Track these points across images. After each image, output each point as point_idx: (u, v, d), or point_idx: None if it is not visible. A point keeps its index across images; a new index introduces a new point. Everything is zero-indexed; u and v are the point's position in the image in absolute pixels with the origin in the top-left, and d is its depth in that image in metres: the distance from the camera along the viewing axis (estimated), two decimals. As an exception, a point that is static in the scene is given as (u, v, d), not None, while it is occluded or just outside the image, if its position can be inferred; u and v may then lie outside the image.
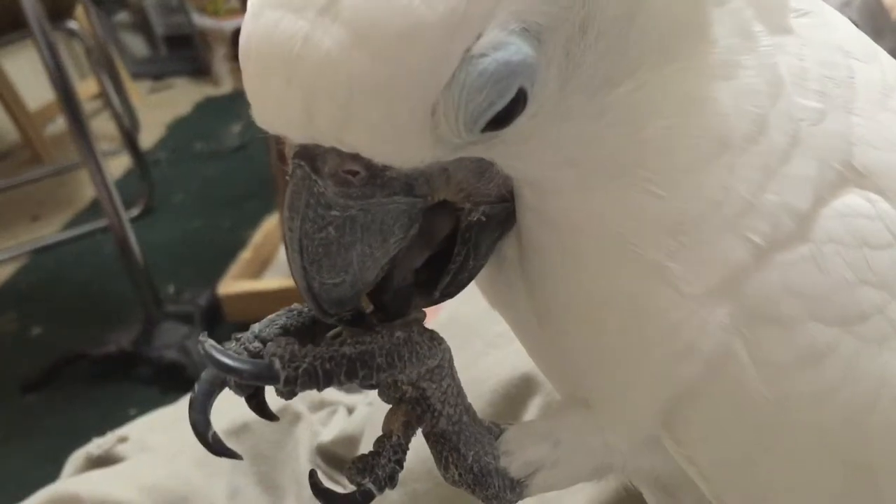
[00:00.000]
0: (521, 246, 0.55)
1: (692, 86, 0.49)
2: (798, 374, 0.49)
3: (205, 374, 0.55)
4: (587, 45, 0.46)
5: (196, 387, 0.55)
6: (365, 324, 0.55)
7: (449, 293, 0.55)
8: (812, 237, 0.50)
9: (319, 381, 0.52)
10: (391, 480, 0.55)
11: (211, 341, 0.52)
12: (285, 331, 0.56)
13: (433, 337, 0.55)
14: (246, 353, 0.55)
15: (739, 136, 0.49)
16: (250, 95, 0.48)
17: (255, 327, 0.56)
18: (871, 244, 0.50)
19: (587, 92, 0.47)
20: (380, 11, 0.42)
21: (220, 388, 0.55)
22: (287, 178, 0.50)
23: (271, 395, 0.57)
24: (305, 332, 0.56)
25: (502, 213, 0.53)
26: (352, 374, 0.52)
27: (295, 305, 0.58)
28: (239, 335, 0.55)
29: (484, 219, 0.52)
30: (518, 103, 0.45)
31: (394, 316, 0.55)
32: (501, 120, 0.45)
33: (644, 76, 0.48)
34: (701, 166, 0.49)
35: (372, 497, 0.55)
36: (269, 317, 0.57)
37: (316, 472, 0.56)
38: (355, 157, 0.46)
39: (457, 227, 0.53)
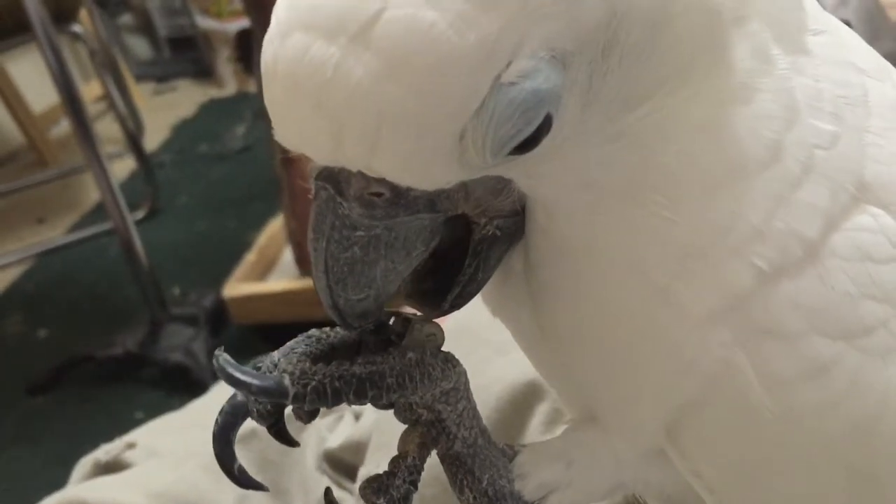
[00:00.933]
0: (527, 260, 0.55)
1: (708, 111, 0.49)
2: (802, 387, 0.50)
3: (227, 406, 0.55)
4: (609, 69, 0.46)
5: (218, 418, 0.55)
6: (384, 333, 0.56)
7: (457, 305, 0.55)
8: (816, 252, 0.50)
9: (328, 398, 0.52)
10: (405, 501, 0.56)
11: (226, 356, 0.52)
12: (307, 357, 0.56)
13: (447, 359, 0.56)
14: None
15: (753, 162, 0.49)
16: (274, 115, 0.47)
17: (275, 355, 0.56)
18: (875, 258, 0.50)
19: (607, 115, 0.47)
20: (412, 41, 0.41)
21: (243, 419, 0.55)
22: (305, 192, 0.50)
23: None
24: (324, 358, 0.56)
25: (513, 226, 0.53)
26: (361, 393, 0.52)
27: (313, 331, 0.58)
28: (259, 363, 0.55)
29: (499, 233, 0.53)
30: (544, 128, 0.45)
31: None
32: (527, 144, 0.46)
33: (661, 100, 0.48)
34: (713, 192, 0.49)
35: None
36: (289, 344, 0.57)
37: (331, 491, 0.57)
38: (380, 180, 0.46)
39: (465, 235, 0.53)
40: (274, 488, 1.08)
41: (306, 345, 0.57)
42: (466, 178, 0.48)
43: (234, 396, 0.55)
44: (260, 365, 0.55)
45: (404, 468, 0.56)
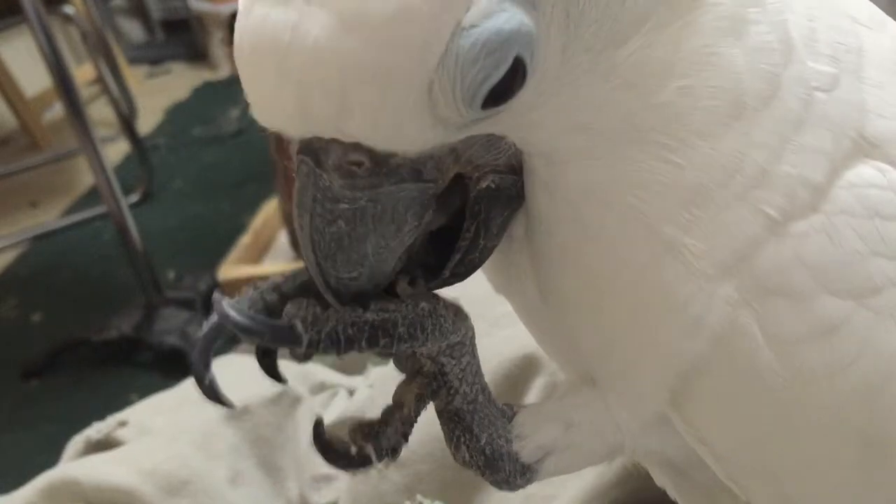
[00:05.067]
0: (529, 223, 0.54)
1: (703, 41, 0.47)
2: (810, 348, 0.48)
3: (212, 320, 0.54)
4: (587, 2, 0.45)
5: (203, 328, 0.54)
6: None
7: (459, 274, 0.54)
8: (823, 208, 0.49)
9: (342, 345, 0.50)
10: (394, 452, 0.55)
11: (227, 300, 0.51)
12: (305, 289, 0.54)
13: (458, 312, 0.54)
14: (263, 303, 0.54)
15: (754, 97, 0.48)
16: (248, 94, 0.47)
17: (276, 279, 0.55)
18: (883, 215, 0.49)
19: (591, 52, 0.46)
20: None
21: (221, 336, 0.54)
22: (293, 173, 0.49)
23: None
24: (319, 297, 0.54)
25: (511, 186, 0.52)
26: (373, 341, 0.51)
27: (298, 270, 0.56)
28: (258, 284, 0.54)
29: (493, 186, 0.51)
30: (516, 75, 0.44)
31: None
32: (501, 94, 0.44)
33: (650, 34, 0.46)
34: (717, 130, 0.47)
35: (369, 463, 0.54)
36: (292, 271, 0.56)
37: (322, 422, 0.55)
38: (357, 147, 0.45)
39: (463, 201, 0.52)
40: (267, 465, 1.08)
41: (309, 276, 0.53)
42: (449, 139, 0.47)
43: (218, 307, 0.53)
44: (259, 286, 0.54)
45: (398, 418, 0.55)
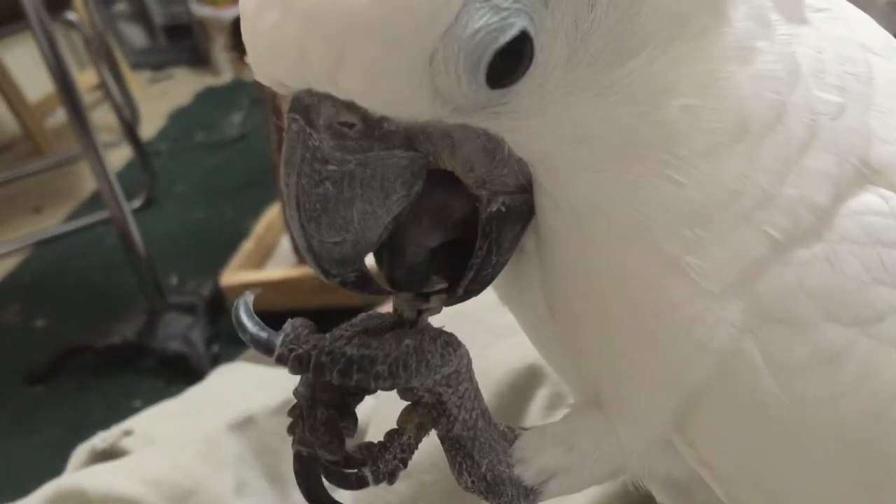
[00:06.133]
0: (538, 236, 0.54)
1: (709, 66, 0.48)
2: (813, 375, 0.49)
3: (296, 466, 0.56)
4: (597, 17, 0.45)
5: (299, 481, 0.56)
6: (372, 288, 0.53)
7: (473, 290, 0.54)
8: (826, 236, 0.49)
9: (309, 371, 0.51)
10: (391, 476, 0.55)
11: (247, 302, 0.54)
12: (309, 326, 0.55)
13: (448, 342, 0.54)
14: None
15: (758, 122, 0.48)
16: (247, 40, 0.47)
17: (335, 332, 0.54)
18: (886, 242, 0.49)
19: (595, 66, 0.46)
20: None
21: (320, 464, 0.55)
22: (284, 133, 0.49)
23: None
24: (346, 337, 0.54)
25: (523, 205, 0.52)
26: (346, 375, 0.51)
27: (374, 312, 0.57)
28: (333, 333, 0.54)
29: (504, 209, 0.51)
30: (523, 55, 0.44)
31: (408, 291, 0.54)
32: (505, 71, 0.45)
33: (654, 53, 0.47)
34: (719, 152, 0.48)
35: (366, 485, 0.55)
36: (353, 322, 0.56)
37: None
38: (350, 108, 0.45)
39: (474, 215, 0.52)
40: (272, 475, 1.08)
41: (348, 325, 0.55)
42: (446, 118, 0.47)
43: (297, 457, 0.55)
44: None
45: (397, 445, 0.55)
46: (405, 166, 0.48)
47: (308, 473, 0.55)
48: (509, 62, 0.44)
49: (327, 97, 0.45)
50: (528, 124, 0.48)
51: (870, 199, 0.50)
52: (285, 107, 0.48)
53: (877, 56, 0.54)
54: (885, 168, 0.51)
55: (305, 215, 0.48)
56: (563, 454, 0.58)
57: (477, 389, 0.57)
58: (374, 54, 0.43)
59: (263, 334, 0.53)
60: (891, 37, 0.57)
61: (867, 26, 0.57)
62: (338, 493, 0.57)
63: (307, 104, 0.46)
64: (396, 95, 0.45)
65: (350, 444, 0.55)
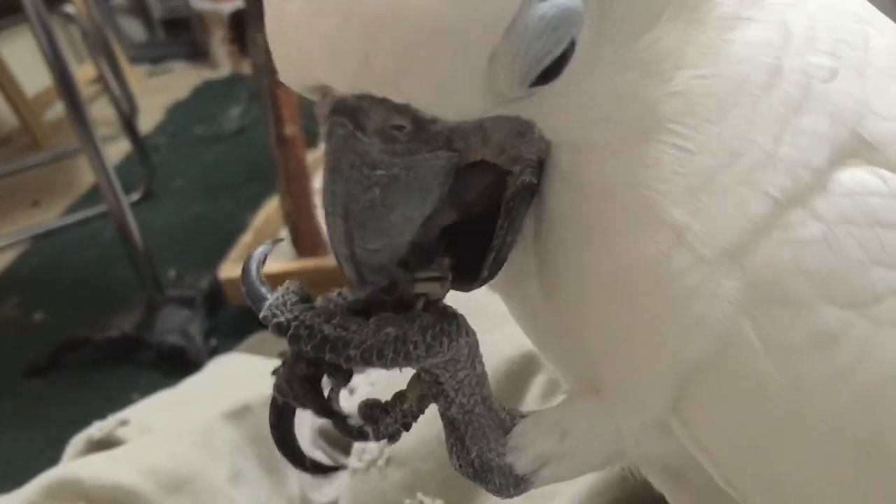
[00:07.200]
0: (538, 219, 0.54)
1: (710, 35, 0.48)
2: (810, 357, 0.48)
3: (271, 409, 0.56)
4: None
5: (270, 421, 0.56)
6: (396, 294, 0.53)
7: (493, 272, 0.53)
8: (824, 216, 0.48)
9: (286, 338, 0.51)
10: (392, 437, 0.55)
11: (261, 252, 0.55)
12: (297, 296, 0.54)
13: (444, 331, 0.53)
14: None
15: (755, 85, 0.48)
16: (283, 44, 0.45)
17: (328, 297, 0.55)
18: (884, 223, 0.49)
19: (614, 44, 0.47)
20: None
21: (292, 414, 0.56)
22: (323, 140, 0.48)
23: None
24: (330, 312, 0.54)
25: (535, 182, 0.52)
26: (318, 350, 0.51)
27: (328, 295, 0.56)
28: (331, 294, 0.55)
29: (529, 181, 0.51)
30: (568, 53, 0.45)
31: (413, 269, 0.54)
32: (551, 72, 0.45)
33: (667, 26, 0.47)
34: (723, 115, 0.48)
35: (366, 438, 0.55)
36: (343, 291, 0.56)
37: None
38: (402, 110, 0.44)
39: (489, 197, 0.52)
40: (268, 464, 1.08)
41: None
42: (488, 113, 0.47)
43: (273, 403, 0.55)
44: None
45: (399, 410, 0.55)
46: (443, 167, 0.48)
47: (281, 422, 0.55)
48: (557, 64, 0.45)
49: (381, 101, 0.44)
50: (556, 104, 0.48)
51: (868, 179, 0.50)
52: (321, 111, 0.47)
53: (872, 27, 0.54)
54: (883, 145, 0.50)
55: (354, 222, 0.47)
56: (557, 441, 0.57)
57: (480, 376, 0.56)
58: (444, 58, 0.42)
59: (262, 290, 0.54)
60: (881, 14, 0.57)
61: (861, 1, 0.57)
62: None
63: (355, 107, 0.45)
64: (456, 97, 0.44)
65: (349, 400, 0.55)
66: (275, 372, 0.55)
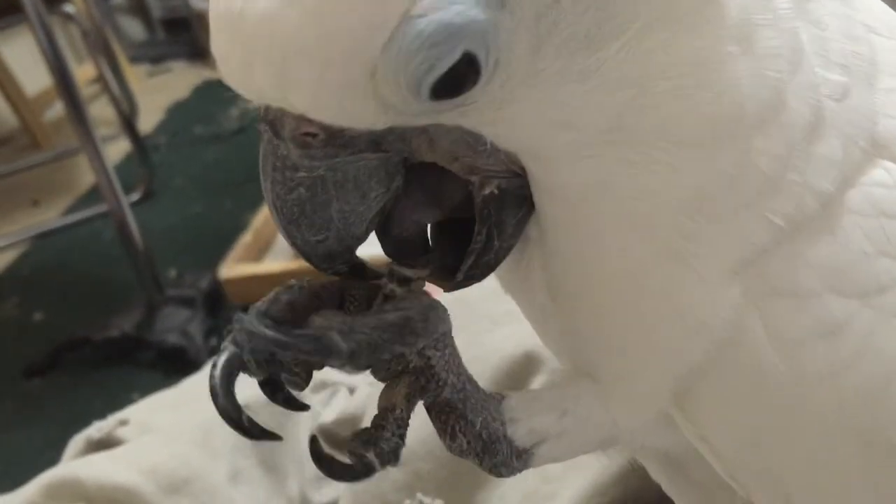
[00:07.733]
0: (538, 223, 0.54)
1: (702, 45, 0.46)
2: (814, 347, 0.48)
3: (221, 360, 0.52)
4: (562, 8, 0.44)
5: (212, 373, 0.52)
6: (368, 276, 0.54)
7: (475, 276, 0.54)
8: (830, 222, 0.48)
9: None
10: (394, 455, 0.54)
11: (248, 317, 0.51)
12: (292, 307, 0.54)
13: (429, 308, 0.54)
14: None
15: (759, 104, 0.47)
16: (215, 56, 0.48)
17: (261, 306, 0.53)
18: (890, 214, 0.49)
19: (565, 55, 0.45)
20: None
21: (238, 372, 0.53)
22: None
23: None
24: (310, 306, 0.54)
25: (519, 189, 0.51)
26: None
27: (293, 281, 0.56)
28: (241, 317, 0.52)
29: (497, 192, 0.51)
30: (469, 70, 0.43)
31: (397, 262, 0.54)
32: (452, 87, 0.44)
33: (639, 35, 0.45)
34: (717, 136, 0.47)
35: (373, 471, 0.54)
36: (269, 296, 0.54)
37: (318, 439, 0.55)
38: (311, 120, 0.46)
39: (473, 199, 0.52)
40: (268, 464, 1.08)
41: (289, 294, 0.54)
42: (407, 123, 0.47)
43: (223, 350, 0.53)
44: (243, 319, 0.52)
45: (392, 420, 0.54)
46: (376, 167, 0.49)
47: (225, 375, 0.52)
48: (453, 80, 0.44)
49: (287, 110, 0.46)
50: (501, 116, 0.47)
51: (875, 171, 0.50)
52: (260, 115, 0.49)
53: (880, 36, 0.53)
54: (890, 142, 0.50)
55: (284, 219, 0.50)
56: (557, 419, 0.57)
57: (459, 356, 0.56)
58: (312, 74, 0.43)
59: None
60: (894, 15, 0.56)
61: (872, 5, 0.56)
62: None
63: (272, 116, 0.47)
64: (344, 109, 0.45)
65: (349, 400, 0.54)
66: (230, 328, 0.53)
